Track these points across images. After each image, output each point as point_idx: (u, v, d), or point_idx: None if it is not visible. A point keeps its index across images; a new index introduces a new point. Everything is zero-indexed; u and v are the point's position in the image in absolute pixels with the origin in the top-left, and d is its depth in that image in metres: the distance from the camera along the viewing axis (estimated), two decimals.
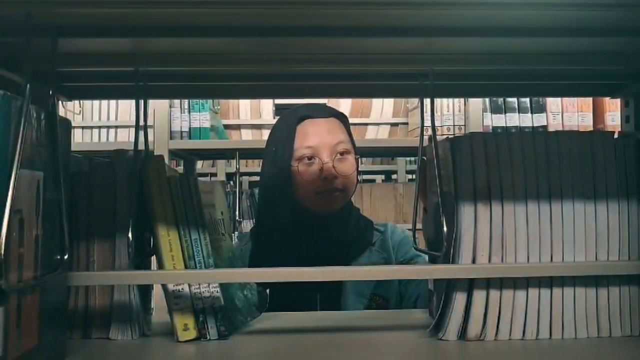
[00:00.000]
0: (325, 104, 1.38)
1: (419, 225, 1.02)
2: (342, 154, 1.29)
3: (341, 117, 1.33)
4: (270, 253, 1.31)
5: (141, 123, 0.95)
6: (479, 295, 0.86)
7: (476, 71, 1.00)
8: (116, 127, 2.58)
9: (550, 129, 2.49)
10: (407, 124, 2.69)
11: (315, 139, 1.28)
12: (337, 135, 1.29)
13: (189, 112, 2.51)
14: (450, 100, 2.53)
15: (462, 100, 2.53)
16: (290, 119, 1.33)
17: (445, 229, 0.88)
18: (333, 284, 1.29)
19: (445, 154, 0.94)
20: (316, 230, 1.30)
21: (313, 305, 1.30)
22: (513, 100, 2.51)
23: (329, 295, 1.30)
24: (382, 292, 1.34)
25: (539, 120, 2.51)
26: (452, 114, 2.54)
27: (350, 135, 1.33)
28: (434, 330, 0.89)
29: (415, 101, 2.53)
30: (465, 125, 2.52)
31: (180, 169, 3.01)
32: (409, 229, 1.13)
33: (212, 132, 2.55)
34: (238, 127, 2.72)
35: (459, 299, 0.87)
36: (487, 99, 2.49)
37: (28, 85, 0.67)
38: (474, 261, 0.86)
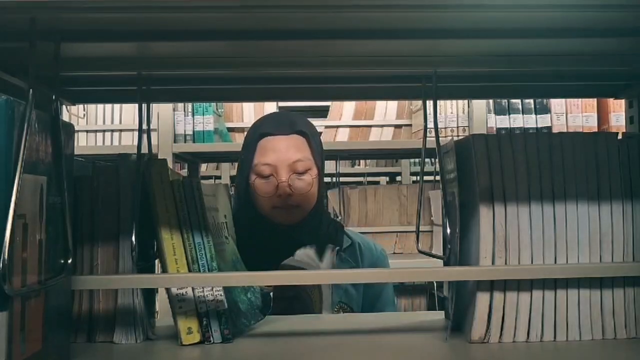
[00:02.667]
0: (292, 119, 1.36)
1: (427, 228, 1.02)
2: (300, 172, 1.30)
3: (306, 134, 1.32)
4: (245, 254, 1.31)
5: (144, 127, 0.95)
6: (482, 297, 0.86)
7: (480, 73, 1.00)
8: (120, 130, 2.58)
9: (555, 130, 2.48)
10: (410, 125, 2.68)
11: (273, 156, 1.30)
12: (296, 153, 1.30)
13: (193, 115, 2.51)
14: (454, 101, 2.52)
15: (465, 101, 2.53)
16: (254, 133, 1.35)
17: (448, 231, 0.87)
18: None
19: (450, 156, 0.94)
20: (281, 237, 1.32)
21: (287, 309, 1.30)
22: (517, 101, 2.50)
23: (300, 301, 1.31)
24: (347, 301, 1.37)
25: (543, 121, 2.50)
26: (455, 115, 2.54)
27: (314, 151, 1.33)
28: (445, 333, 0.89)
29: (419, 103, 2.52)
30: (469, 126, 2.51)
31: (185, 172, 3.01)
32: (413, 231, 1.13)
33: (216, 135, 2.55)
34: (242, 130, 2.72)
35: (465, 301, 0.87)
36: (490, 101, 2.48)
37: (31, 90, 0.67)
38: (477, 263, 0.86)
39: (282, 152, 1.30)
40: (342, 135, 2.66)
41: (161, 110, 2.42)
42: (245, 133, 1.42)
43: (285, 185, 1.28)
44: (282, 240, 1.31)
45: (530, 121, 2.50)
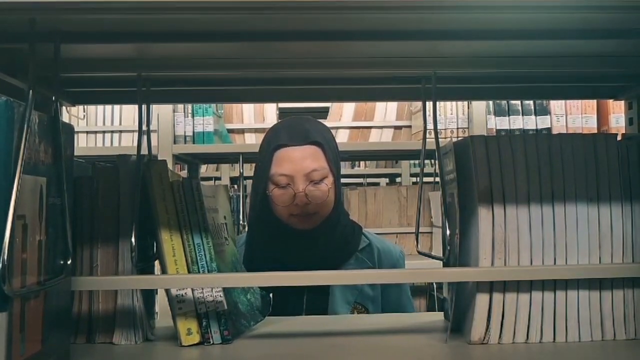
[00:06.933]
0: (306, 128, 1.37)
1: (426, 229, 1.02)
2: (316, 181, 1.32)
3: (321, 144, 1.34)
4: (261, 258, 1.36)
5: (144, 128, 0.95)
6: (482, 298, 0.86)
7: (479, 74, 1.00)
8: (120, 132, 2.58)
9: (554, 131, 2.48)
10: (410, 127, 2.68)
11: (289, 167, 1.31)
12: (312, 163, 1.32)
13: (193, 116, 2.51)
14: (454, 103, 2.53)
15: (465, 103, 2.53)
16: (270, 144, 1.36)
17: (447, 232, 0.87)
18: (321, 291, 1.34)
19: (448, 157, 0.94)
20: (299, 241, 1.34)
21: (299, 309, 1.34)
22: (517, 102, 2.50)
23: (316, 300, 1.35)
24: (363, 301, 1.38)
25: (542, 122, 2.50)
26: (455, 116, 2.54)
27: (329, 159, 1.34)
28: (445, 334, 0.89)
29: (418, 104, 2.52)
30: (468, 128, 2.52)
31: (185, 173, 3.01)
32: (412, 232, 1.14)
33: (216, 136, 2.55)
34: (242, 131, 2.72)
35: (464, 302, 0.87)
36: (490, 102, 2.48)
37: (31, 91, 0.67)
38: (476, 264, 0.86)
39: (298, 163, 1.32)
40: (342, 137, 2.66)
41: (161, 112, 2.42)
42: (262, 140, 1.43)
43: (302, 195, 1.30)
44: (299, 242, 1.34)
45: (530, 123, 2.50)
